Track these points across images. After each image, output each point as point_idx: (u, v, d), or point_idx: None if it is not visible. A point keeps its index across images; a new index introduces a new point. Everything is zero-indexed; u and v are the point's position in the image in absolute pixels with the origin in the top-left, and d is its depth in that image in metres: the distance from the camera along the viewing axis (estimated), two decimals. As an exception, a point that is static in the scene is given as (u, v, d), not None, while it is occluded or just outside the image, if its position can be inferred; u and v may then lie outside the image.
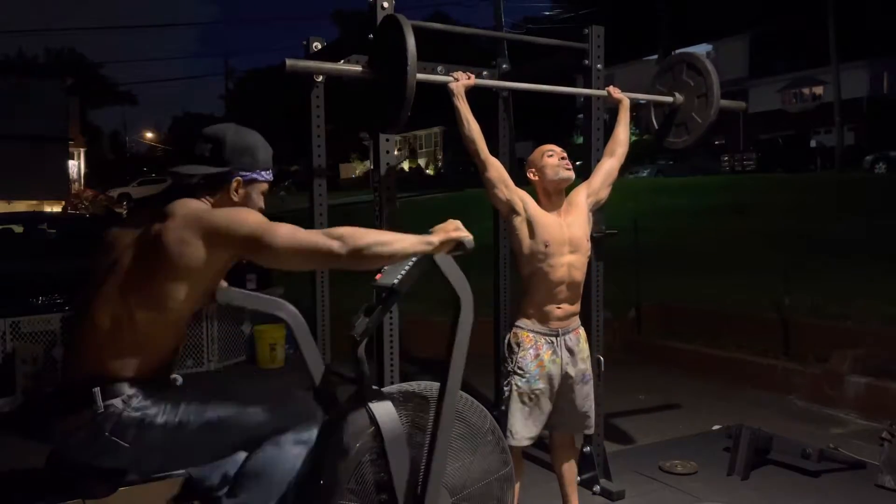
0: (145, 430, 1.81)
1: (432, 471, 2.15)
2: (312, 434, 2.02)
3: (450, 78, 2.96)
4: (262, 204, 2.06)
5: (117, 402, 1.79)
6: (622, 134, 3.25)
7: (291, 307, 2.38)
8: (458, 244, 1.96)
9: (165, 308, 1.82)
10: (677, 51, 3.85)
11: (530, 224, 2.86)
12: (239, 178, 1.97)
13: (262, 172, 2.03)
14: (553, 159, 2.91)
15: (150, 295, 1.81)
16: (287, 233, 1.80)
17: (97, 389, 1.78)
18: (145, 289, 1.81)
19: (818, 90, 32.24)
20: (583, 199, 3.00)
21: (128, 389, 1.81)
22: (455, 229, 1.96)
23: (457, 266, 2.14)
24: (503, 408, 2.90)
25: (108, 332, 1.81)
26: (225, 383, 5.87)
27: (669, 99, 3.71)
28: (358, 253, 1.80)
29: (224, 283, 2.25)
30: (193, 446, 1.89)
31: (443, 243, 1.94)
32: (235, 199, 1.98)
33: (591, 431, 3.09)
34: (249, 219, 1.84)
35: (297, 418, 2.02)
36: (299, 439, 1.99)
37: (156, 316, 1.82)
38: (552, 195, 2.93)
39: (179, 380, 2.03)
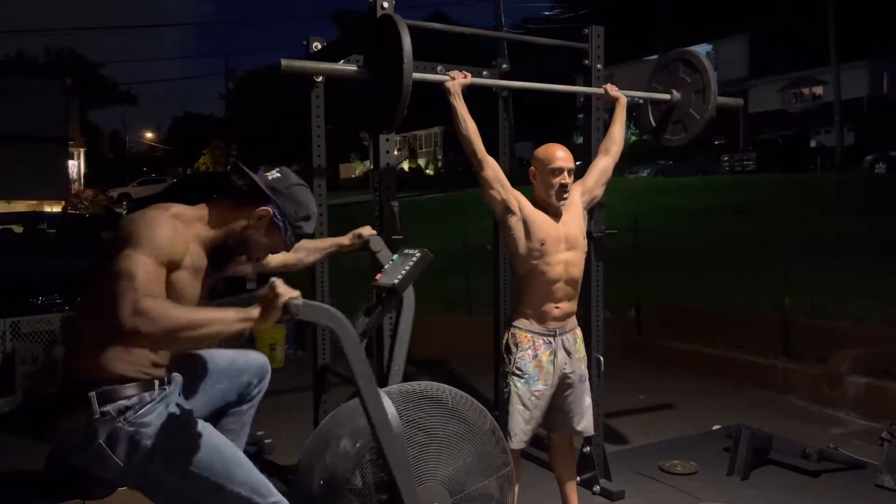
0: (134, 448, 1.80)
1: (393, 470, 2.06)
2: None
3: (446, 77, 2.96)
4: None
5: (112, 408, 1.79)
6: (617, 132, 3.24)
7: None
8: (284, 309, 1.72)
9: None
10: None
11: (525, 223, 2.86)
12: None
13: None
14: (556, 181, 2.83)
15: None
16: (132, 300, 1.65)
17: (93, 394, 1.77)
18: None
19: (818, 90, 32.25)
20: (577, 198, 2.99)
21: (123, 393, 1.80)
22: (275, 296, 1.70)
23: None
24: (504, 409, 2.89)
25: (104, 334, 1.80)
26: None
27: (667, 96, 3.71)
28: (166, 334, 1.65)
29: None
30: (174, 485, 1.86)
31: (264, 316, 1.71)
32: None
33: (590, 433, 3.07)
34: (138, 260, 1.72)
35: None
36: None
37: None
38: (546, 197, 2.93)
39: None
